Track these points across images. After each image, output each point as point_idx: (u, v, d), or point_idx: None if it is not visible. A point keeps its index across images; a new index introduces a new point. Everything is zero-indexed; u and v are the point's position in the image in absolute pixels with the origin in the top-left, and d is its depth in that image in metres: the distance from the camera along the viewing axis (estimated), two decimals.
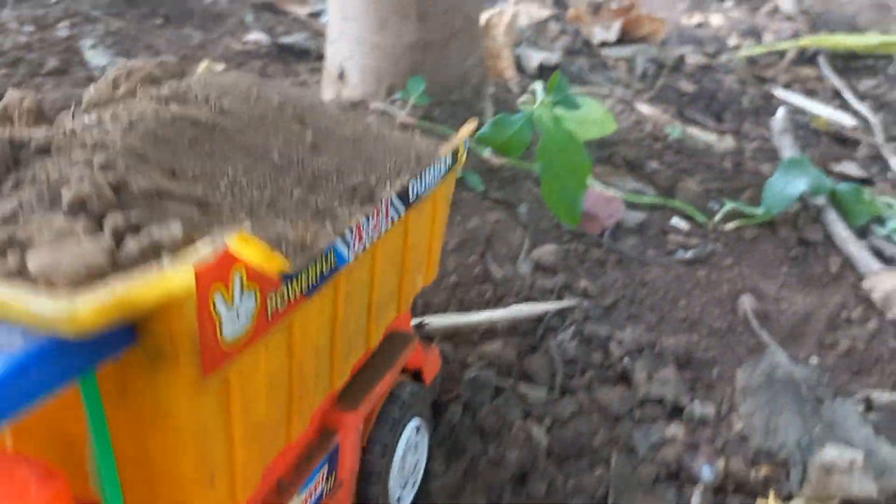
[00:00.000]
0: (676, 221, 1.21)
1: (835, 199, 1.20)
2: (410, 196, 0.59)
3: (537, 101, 1.01)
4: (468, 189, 1.11)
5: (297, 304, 0.47)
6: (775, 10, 2.58)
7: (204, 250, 0.39)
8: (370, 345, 0.62)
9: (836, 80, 2.07)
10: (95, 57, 1.50)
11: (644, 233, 1.17)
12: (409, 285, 0.66)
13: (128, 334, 0.38)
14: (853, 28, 2.52)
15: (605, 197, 1.15)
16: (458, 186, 1.11)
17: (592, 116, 1.13)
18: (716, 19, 2.51)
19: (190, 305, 0.38)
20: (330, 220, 0.52)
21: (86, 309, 0.33)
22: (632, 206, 1.21)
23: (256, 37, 1.82)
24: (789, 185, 1.15)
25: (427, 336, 0.92)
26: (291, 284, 0.46)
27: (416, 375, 0.75)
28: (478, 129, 1.18)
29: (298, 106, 0.63)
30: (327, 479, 0.60)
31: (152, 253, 0.39)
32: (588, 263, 1.10)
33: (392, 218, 0.57)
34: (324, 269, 0.49)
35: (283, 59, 1.76)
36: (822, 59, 2.16)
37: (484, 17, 1.55)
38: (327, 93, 1.23)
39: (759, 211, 1.20)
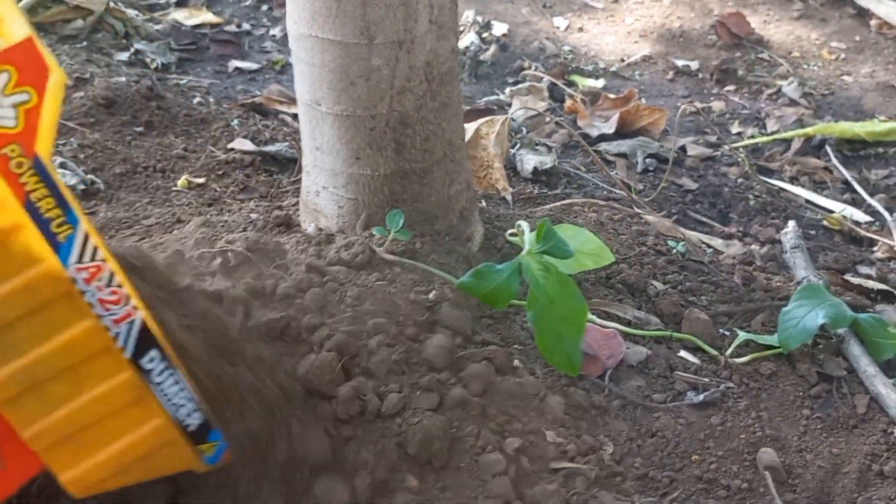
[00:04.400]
0: (685, 355, 1.11)
1: (857, 330, 1.10)
2: None
3: (525, 240, 0.92)
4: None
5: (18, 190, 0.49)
6: (778, 94, 2.52)
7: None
8: None
9: (845, 172, 1.99)
10: (63, 178, 1.43)
11: (649, 372, 1.07)
12: (61, 427, 0.60)
13: None
14: (859, 111, 2.45)
15: (604, 334, 1.05)
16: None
17: (587, 248, 1.04)
18: (717, 105, 2.45)
19: None
20: None
21: None
22: (634, 339, 1.10)
23: (241, 144, 1.76)
24: (806, 318, 1.05)
25: None
26: (26, 169, 0.49)
27: None
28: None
29: None
30: None
31: None
32: (589, 413, 0.99)
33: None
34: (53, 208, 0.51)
35: (267, 168, 1.69)
36: (829, 149, 2.08)
37: (474, 127, 1.48)
38: (305, 223, 1.15)
39: (775, 341, 1.10)
